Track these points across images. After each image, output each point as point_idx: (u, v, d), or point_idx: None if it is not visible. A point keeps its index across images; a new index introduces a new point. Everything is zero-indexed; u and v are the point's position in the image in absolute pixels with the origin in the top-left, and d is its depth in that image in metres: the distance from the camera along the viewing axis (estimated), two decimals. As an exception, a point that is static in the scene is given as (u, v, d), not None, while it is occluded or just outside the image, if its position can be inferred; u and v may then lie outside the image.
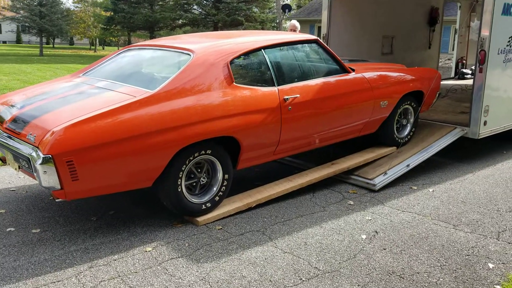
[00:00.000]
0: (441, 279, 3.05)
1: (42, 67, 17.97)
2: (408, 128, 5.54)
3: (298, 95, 4.15)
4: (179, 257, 3.22)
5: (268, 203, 4.20)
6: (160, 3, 30.48)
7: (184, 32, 43.01)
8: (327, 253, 3.36)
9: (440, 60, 10.46)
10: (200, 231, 3.64)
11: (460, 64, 10.47)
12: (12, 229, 3.58)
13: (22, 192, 4.40)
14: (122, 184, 3.36)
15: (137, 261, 3.16)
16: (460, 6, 10.31)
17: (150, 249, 3.33)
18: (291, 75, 4.30)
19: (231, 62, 3.86)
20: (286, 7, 26.63)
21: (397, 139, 5.38)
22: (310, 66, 4.53)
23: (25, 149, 3.13)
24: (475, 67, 5.56)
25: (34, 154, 3.01)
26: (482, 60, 5.43)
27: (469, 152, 6.24)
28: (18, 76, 13.82)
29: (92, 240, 3.43)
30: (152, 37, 31.33)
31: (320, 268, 3.15)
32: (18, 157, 3.26)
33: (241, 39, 4.23)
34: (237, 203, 4.03)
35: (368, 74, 4.88)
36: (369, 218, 4.01)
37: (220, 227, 3.73)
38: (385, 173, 4.88)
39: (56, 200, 3.18)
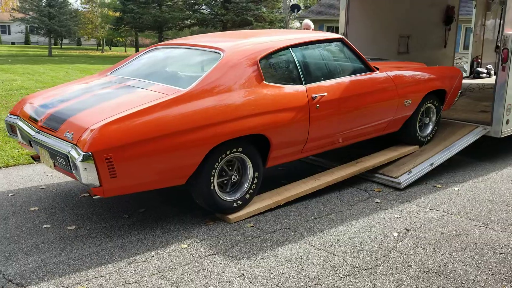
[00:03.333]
0: (478, 277, 3.05)
1: (54, 67, 18.08)
2: (430, 127, 5.54)
3: (325, 94, 4.17)
4: (215, 254, 3.25)
5: (296, 201, 4.22)
6: (168, 3, 30.57)
7: (192, 32, 43.14)
8: (361, 250, 3.38)
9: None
10: (233, 229, 3.67)
11: (475, 63, 10.43)
12: (48, 225, 3.62)
13: (52, 190, 4.44)
14: (157, 182, 3.39)
15: (174, 257, 3.18)
16: (475, 5, 10.27)
17: (185, 246, 3.36)
18: (318, 74, 4.31)
19: (260, 60, 3.88)
20: (295, 7, 26.63)
21: (419, 137, 5.38)
22: (336, 64, 4.55)
23: (63, 147, 3.16)
24: (497, 65, 5.55)
25: (73, 151, 3.04)
26: (505, 59, 5.41)
27: (489, 151, 6.22)
28: (33, 76, 13.91)
29: (128, 237, 3.46)
30: (160, 37, 31.44)
31: (356, 265, 3.16)
32: (55, 154, 3.29)
33: (268, 38, 4.25)
34: (266, 201, 4.05)
35: (392, 73, 4.88)
36: (398, 216, 4.02)
37: (252, 224, 3.75)
38: (410, 171, 4.88)
39: (94, 197, 3.21)
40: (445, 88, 5.43)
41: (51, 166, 3.53)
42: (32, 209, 3.95)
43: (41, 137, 3.44)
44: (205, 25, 28.92)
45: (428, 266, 3.18)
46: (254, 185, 3.91)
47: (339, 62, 4.58)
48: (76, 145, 3.06)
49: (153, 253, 3.24)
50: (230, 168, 3.80)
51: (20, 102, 4.10)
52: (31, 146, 3.77)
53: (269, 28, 28.86)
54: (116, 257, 3.15)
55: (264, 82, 3.83)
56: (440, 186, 4.84)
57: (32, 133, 3.54)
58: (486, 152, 6.15)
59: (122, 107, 3.30)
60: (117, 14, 35.03)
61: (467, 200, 4.46)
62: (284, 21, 27.54)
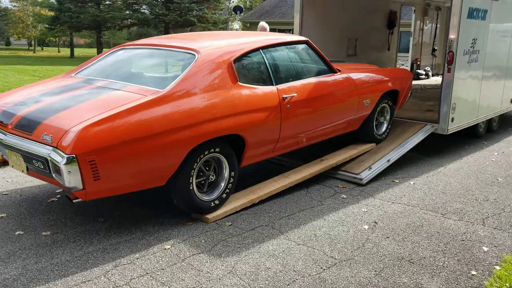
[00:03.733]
0: (446, 262, 3.32)
1: (-13, 68, 17.03)
2: (385, 126, 5.87)
3: (295, 94, 4.32)
4: (200, 253, 3.29)
5: (268, 199, 4.34)
6: (107, 2, 29.67)
7: (131, 33, 42.13)
8: (337, 243, 3.55)
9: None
10: (212, 228, 3.72)
11: (415, 65, 11.09)
12: (21, 232, 3.49)
13: (16, 195, 4.26)
14: (138, 183, 3.38)
15: (160, 258, 3.19)
16: (414, 10, 10.92)
17: (168, 246, 3.37)
18: (287, 75, 4.46)
19: (234, 61, 3.96)
20: (237, 9, 26.85)
21: (376, 136, 5.69)
22: (303, 66, 4.72)
23: (41, 150, 3.07)
24: (444, 67, 5.97)
25: (54, 154, 2.97)
26: (450, 61, 5.84)
27: (435, 147, 6.67)
28: (-35, 77, 13.05)
29: (108, 240, 3.42)
30: (99, 37, 30.44)
31: (336, 257, 3.33)
32: (30, 158, 3.19)
33: (239, 39, 4.34)
34: (241, 200, 4.13)
35: (352, 74, 5.14)
36: (365, 210, 4.25)
37: (230, 223, 3.82)
38: (370, 167, 5.16)
39: (74, 201, 3.14)
40: (398, 88, 5.77)
41: (23, 171, 3.41)
42: (-1, 216, 3.79)
43: (13, 140, 3.31)
44: (146, 25, 28.39)
45: (400, 254, 3.41)
46: (230, 184, 3.98)
47: (305, 63, 4.76)
48: (56, 147, 2.99)
49: (137, 255, 3.22)
50: (207, 168, 3.85)
51: (-18, 105, 3.89)
52: (-1, 150, 3.61)
53: (213, 29, 28.83)
54: (100, 261, 3.11)
55: (238, 83, 3.91)
56: (397, 181, 5.15)
57: (2, 136, 3.40)
58: (433, 148, 6.58)
59: (101, 108, 3.25)
60: (52, 13, 33.53)
61: (424, 193, 4.78)
62: (227, 23, 27.62)
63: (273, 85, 4.22)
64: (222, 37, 4.47)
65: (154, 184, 3.48)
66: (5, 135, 3.39)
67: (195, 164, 3.65)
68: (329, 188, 4.82)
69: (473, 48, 6.24)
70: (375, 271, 3.15)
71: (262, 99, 4.04)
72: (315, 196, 4.57)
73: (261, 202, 4.27)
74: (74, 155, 2.90)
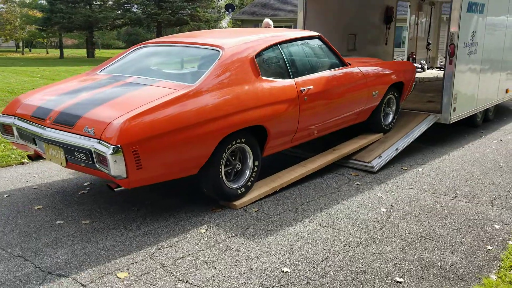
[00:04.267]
0: (463, 239, 3.56)
1: (-17, 70, 17.02)
2: (391, 116, 6.11)
3: (311, 87, 4.54)
4: (234, 236, 3.50)
5: (288, 187, 4.56)
6: (98, 2, 29.63)
7: (119, 33, 42.03)
8: (360, 225, 3.78)
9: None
10: (240, 214, 3.93)
11: (411, 58, 11.38)
12: (61, 221, 3.67)
13: (46, 189, 4.43)
14: (175, 172, 3.57)
15: (198, 241, 3.39)
16: (409, 5, 11.20)
17: (204, 231, 3.57)
18: (302, 68, 4.67)
19: (256, 56, 4.17)
20: (229, 7, 26.97)
21: (383, 126, 5.94)
22: (317, 60, 4.94)
23: (85, 142, 3.25)
24: (445, 60, 6.24)
25: (98, 145, 3.15)
26: (452, 53, 6.10)
27: (436, 136, 6.93)
28: (-36, 79, 13.08)
29: (146, 226, 3.61)
30: (91, 37, 30.38)
31: (361, 236, 3.56)
32: (72, 150, 3.36)
33: (257, 35, 4.54)
34: (264, 188, 4.34)
35: (362, 67, 5.37)
36: (380, 195, 4.49)
37: (256, 209, 4.03)
38: (380, 156, 5.40)
39: (115, 190, 3.33)
40: (403, 80, 6.02)
41: (61, 163, 3.58)
42: (36, 207, 3.95)
43: (53, 134, 3.48)
44: (139, 25, 28.42)
45: (420, 233, 3.65)
46: (254, 173, 4.19)
47: (319, 57, 4.98)
48: (100, 139, 3.17)
49: (176, 238, 3.42)
50: (234, 158, 4.05)
51: (13, 102, 4.06)
52: (35, 144, 3.78)
53: (205, 27, 28.95)
54: (143, 245, 3.30)
55: (260, 76, 4.12)
56: (406, 168, 5.40)
57: (41, 131, 3.56)
58: (435, 137, 6.85)
59: (138, 102, 3.44)
60: (40, 14, 33.36)
61: (433, 179, 5.04)
62: (218, 21, 27.77)
63: (290, 78, 4.44)
64: (241, 33, 4.67)
65: (188, 173, 3.68)
66: (44, 129, 3.55)
67: (224, 153, 3.85)
68: (343, 176, 5.05)
69: (472, 40, 6.52)
70: (399, 248, 3.39)
71: (282, 92, 4.25)
72: (330, 183, 4.80)
73: (282, 189, 4.49)
74: (119, 146, 3.08)
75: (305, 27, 7.71)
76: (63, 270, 2.94)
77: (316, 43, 5.02)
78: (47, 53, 46.80)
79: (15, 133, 3.93)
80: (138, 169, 3.22)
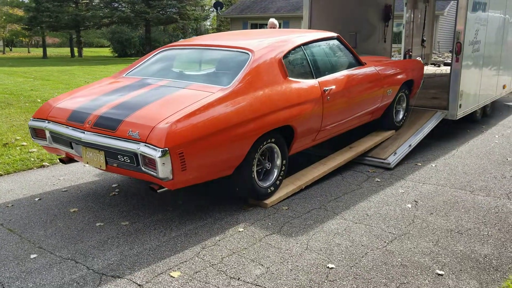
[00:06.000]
0: (489, 232, 3.72)
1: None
2: (402, 113, 6.28)
3: (333, 86, 4.66)
4: (271, 234, 3.60)
5: (311, 185, 4.67)
6: (85, 1, 29.31)
7: (103, 32, 41.55)
8: (389, 220, 3.91)
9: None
10: (272, 212, 4.03)
11: (407, 56, 11.57)
12: (101, 223, 3.72)
13: (76, 191, 4.46)
14: (213, 173, 3.66)
15: (239, 239, 3.49)
16: (406, 3, 11.39)
17: (241, 229, 3.66)
18: (324, 69, 4.79)
19: (283, 58, 4.27)
20: (217, 5, 26.96)
21: (395, 123, 6.09)
22: (336, 60, 5.06)
23: (129, 146, 3.31)
24: (452, 57, 6.41)
25: (145, 148, 3.21)
26: (458, 51, 6.28)
27: (440, 132, 7.10)
28: (-42, 80, 12.87)
29: (185, 226, 3.69)
30: (78, 36, 30.03)
31: (394, 232, 3.69)
32: (115, 154, 3.42)
33: (282, 37, 4.63)
34: (290, 186, 4.45)
35: (377, 66, 5.51)
36: (402, 191, 4.63)
37: (286, 207, 4.14)
38: (395, 153, 5.55)
39: (158, 191, 3.40)
40: (414, 78, 6.18)
41: (100, 166, 3.63)
42: (72, 210, 3.99)
43: (93, 138, 3.53)
44: (128, 23, 28.20)
45: (449, 227, 3.80)
46: (282, 172, 4.29)
47: (338, 57, 5.10)
48: (147, 142, 3.24)
49: (217, 237, 3.51)
50: (263, 158, 4.15)
51: (44, 106, 4.08)
52: (71, 148, 3.81)
53: (194, 26, 28.88)
54: (187, 244, 3.38)
55: (288, 77, 4.22)
56: (420, 164, 5.56)
57: (80, 135, 3.60)
58: (438, 133, 7.03)
59: (177, 105, 3.51)
60: (21, 13, 32.83)
61: (447, 174, 5.21)
62: (207, 19, 27.74)
63: (314, 78, 4.54)
64: (265, 35, 4.76)
65: (224, 173, 3.77)
66: (83, 133, 3.60)
67: (256, 154, 3.94)
68: (361, 173, 5.18)
69: (476, 38, 6.71)
70: (432, 242, 3.53)
71: (308, 92, 4.36)
72: (351, 180, 4.93)
73: (307, 187, 4.60)
74: (167, 149, 3.15)
75: (310, 26, 7.84)
76: (116, 271, 3.00)
77: (335, 43, 5.14)
78: (29, 52, 46.07)
79: (48, 136, 3.96)
80: (183, 170, 3.30)
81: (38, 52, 42.56)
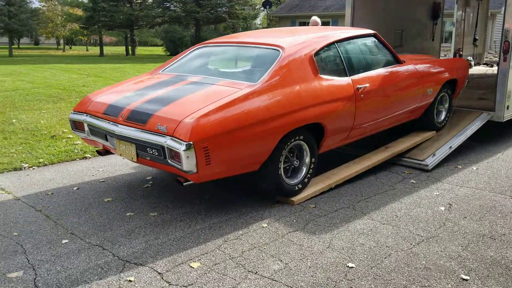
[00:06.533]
0: (526, 238, 3.54)
1: (35, 68, 17.73)
2: (444, 114, 6.07)
3: (367, 84, 4.58)
4: (295, 231, 3.60)
5: (342, 185, 4.62)
6: (139, 0, 30.32)
7: (156, 30, 42.82)
8: (419, 223, 3.81)
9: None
10: (298, 210, 4.02)
11: (457, 55, 11.17)
12: (131, 213, 3.87)
13: (112, 182, 4.66)
14: (238, 168, 3.71)
15: (261, 235, 3.52)
16: (457, 1, 10.99)
17: (265, 225, 3.69)
18: (358, 66, 4.72)
19: (315, 55, 4.25)
20: (266, 3, 27.04)
21: (436, 124, 5.90)
22: (372, 57, 4.97)
23: (157, 139, 3.42)
24: (499, 57, 6.12)
25: (171, 142, 3.31)
26: (506, 50, 5.99)
27: (484, 134, 6.78)
28: (19, 77, 13.68)
29: (210, 219, 3.76)
30: (132, 35, 31.11)
31: (422, 234, 3.59)
32: (144, 146, 3.54)
33: (315, 34, 4.61)
34: (319, 185, 4.42)
35: (416, 65, 5.36)
36: (437, 194, 4.49)
37: (314, 205, 4.12)
38: (434, 154, 5.38)
39: (184, 184, 3.49)
40: (457, 77, 5.96)
41: (132, 158, 3.77)
42: (106, 200, 4.17)
43: (126, 131, 3.67)
44: (178, 22, 28.90)
45: (481, 232, 3.65)
46: (311, 170, 4.27)
47: (374, 55, 5.01)
48: (173, 136, 3.33)
49: (240, 232, 3.55)
50: (291, 155, 4.15)
51: (84, 100, 4.29)
52: (106, 140, 3.98)
53: (243, 24, 29.18)
54: (210, 237, 3.45)
55: (319, 75, 4.20)
56: (460, 167, 5.36)
57: (114, 128, 3.76)
58: (483, 135, 6.71)
59: (205, 101, 3.58)
60: (80, 12, 34.38)
61: (488, 178, 4.98)
62: (255, 18, 27.91)
63: (347, 76, 4.49)
64: (298, 33, 4.75)
65: (250, 169, 3.81)
66: (117, 126, 3.75)
67: (283, 150, 3.95)
68: (397, 174, 5.06)
69: (524, 36, 6.35)
70: (461, 246, 3.40)
71: (339, 90, 4.32)
72: (385, 181, 4.83)
73: (337, 186, 4.55)
74: (191, 143, 3.23)
75: (352, 24, 7.72)
76: (140, 259, 3.12)
77: (371, 40, 5.05)
78: (87, 50, 48.23)
79: (86, 129, 4.15)
80: (207, 164, 3.37)
81: (95, 50, 44.52)
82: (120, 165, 5.20)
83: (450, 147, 5.57)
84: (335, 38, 4.57)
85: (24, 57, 28.93)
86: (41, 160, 5.33)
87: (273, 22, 32.45)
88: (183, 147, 3.23)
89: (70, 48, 53.49)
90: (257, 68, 4.17)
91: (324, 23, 23.51)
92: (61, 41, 49.42)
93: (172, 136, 3.34)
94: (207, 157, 3.34)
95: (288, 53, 4.11)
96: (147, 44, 59.21)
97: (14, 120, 7.24)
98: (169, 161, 3.41)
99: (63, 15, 42.98)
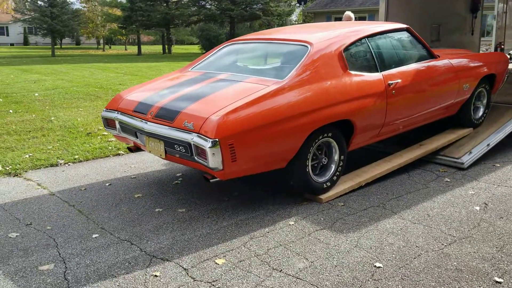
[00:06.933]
0: None
1: (74, 67, 18.33)
2: (482, 110, 5.85)
3: (399, 80, 4.47)
4: (322, 229, 3.56)
5: (373, 183, 4.52)
6: (174, 0, 30.78)
7: (192, 29, 43.32)
8: (452, 222, 3.68)
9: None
10: (327, 208, 3.97)
11: (499, 49, 10.71)
12: (160, 209, 3.93)
13: (143, 179, 4.74)
14: (265, 165, 3.69)
15: (288, 232, 3.49)
16: (498, -7, 10.54)
17: (292, 223, 3.66)
18: (390, 62, 4.61)
19: (344, 51, 4.17)
20: (301, 0, 26.82)
21: (473, 120, 5.69)
22: (404, 52, 4.85)
23: (184, 136, 3.45)
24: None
25: (197, 139, 3.33)
26: (550, 44, 5.70)
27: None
28: (58, 76, 14.17)
29: (237, 216, 3.77)
30: (168, 34, 31.60)
31: (454, 235, 3.47)
32: (172, 143, 3.58)
33: (345, 29, 4.53)
34: (349, 182, 4.35)
35: (452, 59, 5.18)
36: (472, 193, 4.33)
37: (342, 203, 4.06)
38: (470, 152, 5.19)
39: (211, 181, 3.51)
40: (495, 72, 5.73)
41: (161, 155, 3.82)
42: (136, 196, 4.25)
43: (154, 128, 3.72)
44: (213, 20, 29.15)
45: (518, 233, 3.49)
46: (340, 167, 4.21)
47: (407, 50, 4.88)
48: (199, 133, 3.35)
49: (267, 229, 3.54)
50: (320, 152, 4.10)
51: (115, 98, 4.38)
52: (136, 137, 4.05)
53: (277, 21, 29.11)
54: (236, 234, 3.46)
55: (348, 71, 4.12)
56: (498, 165, 5.15)
57: (143, 125, 3.82)
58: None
59: (232, 98, 3.59)
60: (119, 12, 35.20)
61: (528, 177, 4.77)
62: (290, 15, 27.77)
63: (378, 71, 4.39)
64: (328, 28, 4.69)
65: (277, 166, 3.78)
66: (146, 123, 3.81)
67: (311, 148, 3.91)
68: (430, 172, 4.92)
69: None
70: (496, 247, 3.27)
71: (370, 86, 4.23)
72: (417, 179, 4.70)
73: (367, 184, 4.47)
74: (217, 139, 3.24)
75: (387, 19, 7.55)
76: (166, 254, 3.16)
77: (404, 35, 4.92)
78: (126, 49, 49.35)
79: (117, 126, 4.24)
80: (233, 161, 3.37)
81: (133, 49, 45.48)
82: (151, 162, 5.29)
83: (488, 145, 5.36)
84: (366, 33, 4.48)
85: (65, 57, 29.91)
86: (76, 156, 5.49)
87: (308, 18, 32.23)
88: (209, 144, 3.24)
89: (110, 47, 54.90)
90: (286, 64, 4.14)
91: (361, 19, 23.14)
92: (101, 41, 50.76)
93: (199, 133, 3.36)
94: (233, 154, 3.34)
95: (317, 49, 4.05)
96: (184, 43, 60.04)
97: (52, 118, 7.50)
98: (195, 158, 3.43)
99: (102, 15, 44.15)
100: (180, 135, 3.49)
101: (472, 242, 3.36)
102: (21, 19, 41.26)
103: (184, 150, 3.51)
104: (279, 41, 4.45)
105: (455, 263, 3.06)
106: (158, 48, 45.11)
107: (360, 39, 4.41)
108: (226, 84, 3.97)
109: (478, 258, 3.12)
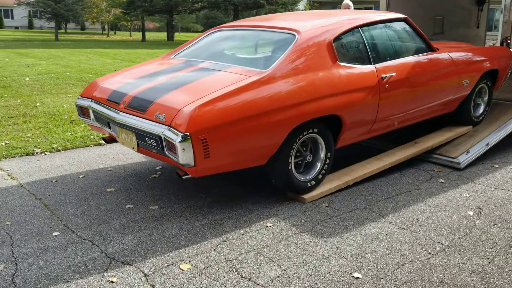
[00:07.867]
0: None
1: (72, 52, 18.07)
2: (482, 107, 5.55)
3: (394, 74, 4.18)
4: (301, 232, 3.30)
5: (362, 182, 4.26)
6: (178, -14, 30.34)
7: (197, 16, 42.80)
8: (442, 229, 3.42)
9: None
10: (309, 208, 3.72)
11: (505, 44, 10.35)
12: (131, 206, 3.69)
13: (120, 171, 4.50)
14: (243, 162, 3.44)
15: (264, 235, 3.24)
16: (507, -15, 10.15)
17: (270, 224, 3.41)
18: (385, 53, 4.32)
19: (334, 41, 3.89)
20: (307, -11, 26.34)
21: (473, 118, 5.40)
22: (401, 44, 4.55)
23: (155, 128, 3.19)
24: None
25: (168, 132, 3.08)
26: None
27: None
28: (54, 60, 13.92)
29: (212, 216, 3.52)
30: (171, 20, 31.20)
31: (443, 242, 3.21)
32: (143, 136, 3.33)
33: (337, 18, 4.24)
34: (336, 182, 4.09)
35: (452, 53, 4.88)
36: (467, 196, 4.06)
37: (327, 204, 3.80)
38: (467, 151, 4.91)
39: (183, 177, 3.26)
40: (498, 68, 5.42)
41: (133, 148, 3.57)
42: (109, 190, 4.01)
43: (126, 119, 3.46)
44: (217, 8, 28.70)
45: (513, 243, 3.23)
46: (326, 165, 3.94)
47: (403, 41, 4.59)
48: (170, 126, 3.09)
49: (242, 231, 3.30)
50: (304, 149, 3.84)
51: (90, 85, 4.12)
52: (109, 128, 3.80)
53: (282, 10, 28.62)
54: (208, 235, 3.21)
55: (338, 62, 3.84)
56: (497, 166, 4.87)
57: (115, 115, 3.56)
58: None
59: (209, 89, 3.32)
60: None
61: (528, 179, 4.49)
62: (295, 4, 27.29)
63: (371, 64, 4.11)
64: (319, 16, 4.40)
65: (257, 163, 3.53)
66: (118, 113, 3.55)
67: (294, 144, 3.64)
68: (425, 172, 4.65)
69: None
70: (487, 258, 3.01)
71: (361, 79, 3.95)
72: (410, 180, 4.43)
73: (355, 184, 4.20)
74: (188, 134, 2.99)
75: (388, 9, 7.24)
76: (128, 257, 2.92)
77: (401, 26, 4.62)
78: (130, 35, 48.93)
79: (91, 116, 3.99)
80: (206, 157, 3.11)
81: (138, 36, 45.08)
82: (132, 153, 5.04)
83: (487, 144, 5.08)
84: (359, 23, 4.18)
85: (68, 41, 29.60)
86: (54, 145, 5.25)
87: (314, 8, 31.69)
88: (179, 139, 2.99)
89: (115, 33, 54.48)
90: (270, 54, 3.87)
91: (368, 9, 22.66)
92: (106, 27, 50.36)
93: (170, 126, 3.11)
94: (206, 150, 3.09)
95: (305, 38, 3.77)
96: (189, 30, 59.51)
97: (38, 104, 7.25)
98: (166, 152, 3.18)
99: (107, 0, 43.65)
100: (151, 128, 3.23)
101: (462, 251, 3.10)
102: (25, 2, 40.90)
103: (155, 144, 3.26)
104: (266, 29, 4.16)
105: (441, 275, 2.81)
106: (163, 35, 44.71)
107: (353, 28, 4.12)
108: (206, 73, 3.70)
109: (467, 270, 2.86)
